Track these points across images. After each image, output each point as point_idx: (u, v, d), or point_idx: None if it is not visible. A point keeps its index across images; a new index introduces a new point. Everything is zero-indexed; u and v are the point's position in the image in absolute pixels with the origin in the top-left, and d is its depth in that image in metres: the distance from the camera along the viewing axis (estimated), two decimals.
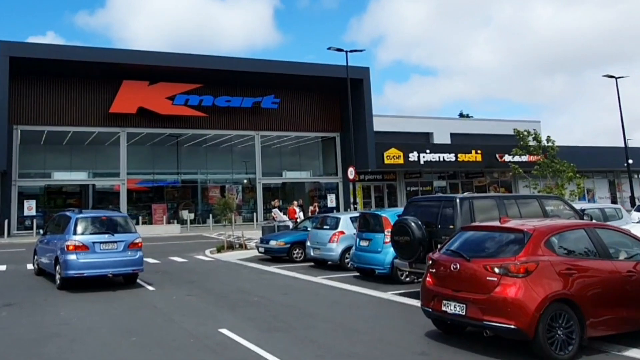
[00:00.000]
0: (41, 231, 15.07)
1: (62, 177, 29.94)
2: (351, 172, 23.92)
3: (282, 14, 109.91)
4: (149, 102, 29.57)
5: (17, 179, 27.55)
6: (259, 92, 32.19)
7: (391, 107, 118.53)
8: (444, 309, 6.66)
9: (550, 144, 19.69)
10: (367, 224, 12.51)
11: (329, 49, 25.53)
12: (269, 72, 30.94)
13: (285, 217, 19.94)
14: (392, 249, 11.22)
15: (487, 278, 6.25)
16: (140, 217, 29.46)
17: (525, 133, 18.89)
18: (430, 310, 6.92)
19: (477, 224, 8.19)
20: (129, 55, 29.02)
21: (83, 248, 11.12)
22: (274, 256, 16.27)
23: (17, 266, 15.33)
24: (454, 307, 6.51)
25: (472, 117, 57.44)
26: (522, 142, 19.12)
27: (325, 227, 14.55)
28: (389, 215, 12.05)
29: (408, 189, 35.77)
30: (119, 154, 29.73)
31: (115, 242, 11.44)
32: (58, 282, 11.49)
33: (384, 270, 11.59)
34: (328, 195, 33.92)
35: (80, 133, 29.57)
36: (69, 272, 11.04)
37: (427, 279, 7.11)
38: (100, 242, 11.31)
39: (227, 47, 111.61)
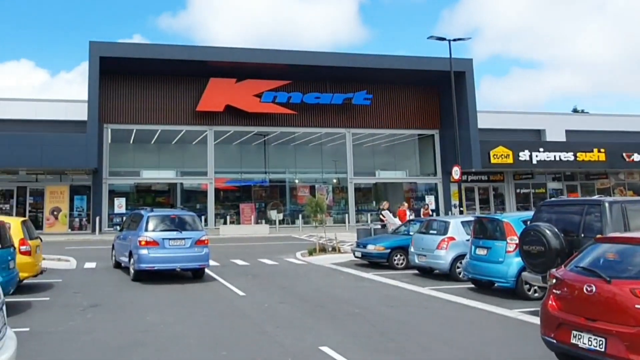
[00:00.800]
0: (117, 228, 16.63)
1: (150, 175, 30.86)
2: (456, 172, 22.52)
3: (367, 8, 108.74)
4: (237, 100, 29.80)
5: (107, 177, 28.72)
6: (350, 88, 31.52)
7: (489, 104, 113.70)
8: (573, 341, 5.43)
9: None
10: (484, 230, 11.28)
11: (429, 38, 24.22)
12: (360, 67, 30.18)
13: (396, 220, 18.84)
14: (515, 259, 10.15)
15: (636, 306, 5.05)
16: (228, 217, 29.76)
17: None
18: (553, 341, 5.70)
19: (616, 235, 6.82)
20: (216, 53, 29.39)
21: (154, 244, 12.34)
22: (371, 261, 15.46)
23: (106, 263, 15.65)
24: (589, 340, 5.29)
25: (587, 112, 53.38)
26: None
27: (431, 231, 13.44)
28: (512, 220, 10.78)
29: (518, 190, 33.67)
30: (207, 153, 30.21)
31: (183, 238, 12.60)
32: (132, 274, 12.69)
33: (506, 283, 10.34)
34: (426, 196, 32.50)
35: (168, 131, 30.34)
36: (141, 265, 12.30)
37: (550, 301, 5.89)
38: (170, 239, 12.51)
39: (311, 45, 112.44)
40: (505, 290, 10.65)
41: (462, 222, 13.11)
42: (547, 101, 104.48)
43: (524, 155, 30.52)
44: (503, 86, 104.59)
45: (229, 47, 30.59)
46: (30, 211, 27.46)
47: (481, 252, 11.03)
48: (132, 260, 12.68)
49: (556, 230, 8.59)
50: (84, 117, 26.53)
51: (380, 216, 20.35)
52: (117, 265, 14.66)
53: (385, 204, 20.80)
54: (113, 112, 29.05)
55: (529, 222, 10.28)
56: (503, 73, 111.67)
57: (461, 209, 22.92)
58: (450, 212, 30.25)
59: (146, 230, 12.49)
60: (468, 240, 12.26)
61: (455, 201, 31.45)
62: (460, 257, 12.43)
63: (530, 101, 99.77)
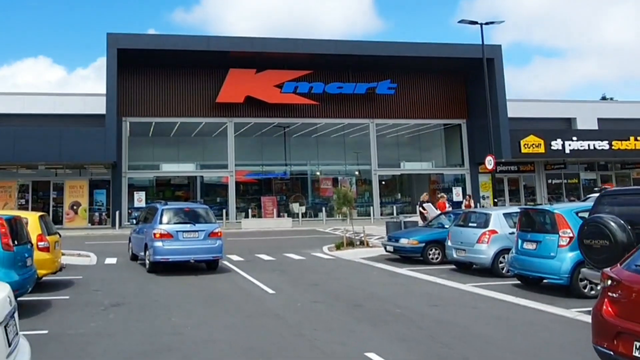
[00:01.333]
0: (134, 221, 17.43)
1: (170, 168, 30.51)
2: (490, 162, 21.62)
3: None
4: (257, 91, 29.21)
5: (126, 170, 28.37)
6: (374, 77, 30.77)
7: (511, 93, 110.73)
8: (636, 354, 4.62)
9: None
10: (532, 223, 10.47)
11: (460, 22, 23.32)
12: (384, 55, 29.48)
13: (438, 212, 17.97)
14: (569, 254, 9.39)
15: None
16: (249, 210, 29.24)
17: None
18: (609, 352, 4.87)
19: None
20: (236, 43, 28.80)
21: (168, 236, 12.60)
22: (403, 256, 14.72)
23: (127, 258, 15.32)
24: None
25: (616, 100, 51.85)
26: None
27: (471, 224, 12.66)
28: (564, 212, 9.94)
29: (549, 181, 32.75)
30: (227, 145, 29.70)
31: (197, 231, 12.84)
32: (147, 266, 12.96)
33: (559, 280, 9.53)
34: (453, 188, 31.62)
35: (188, 124, 29.91)
36: (156, 257, 12.57)
37: (605, 306, 5.06)
38: (183, 231, 12.76)
39: (325, 37, 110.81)
40: (556, 288, 9.86)
41: (504, 214, 12.33)
42: (572, 90, 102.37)
43: (556, 144, 29.56)
44: (525, 75, 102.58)
45: (249, 37, 29.99)
46: (52, 206, 27.24)
47: (529, 246, 10.23)
48: (147, 252, 12.94)
49: (622, 222, 7.79)
50: (103, 111, 26.18)
51: (420, 209, 19.50)
52: (134, 258, 14.89)
53: (425, 196, 19.96)
54: (131, 105, 28.66)
55: (580, 214, 9.55)
56: (525, 62, 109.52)
57: (495, 200, 22.03)
58: (479, 204, 29.34)
59: (160, 223, 12.78)
60: (511, 233, 11.56)
61: (483, 192, 30.59)
62: (503, 251, 11.70)
63: (554, 90, 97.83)
